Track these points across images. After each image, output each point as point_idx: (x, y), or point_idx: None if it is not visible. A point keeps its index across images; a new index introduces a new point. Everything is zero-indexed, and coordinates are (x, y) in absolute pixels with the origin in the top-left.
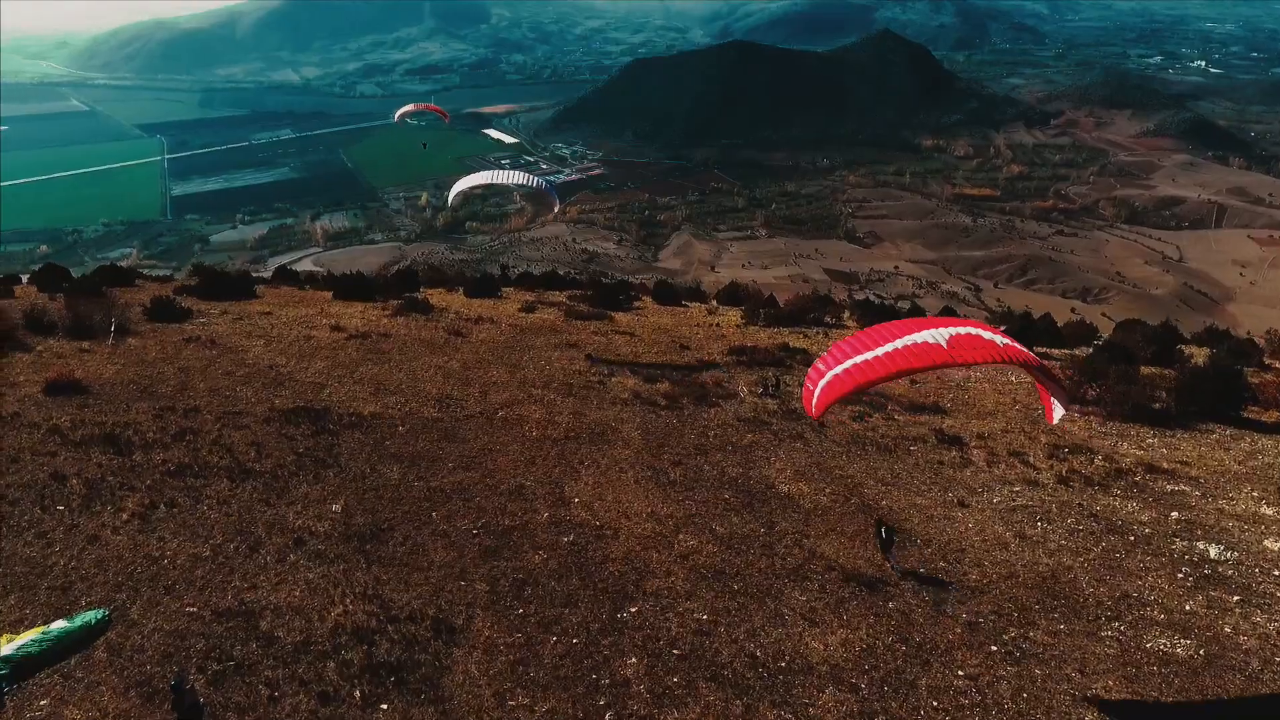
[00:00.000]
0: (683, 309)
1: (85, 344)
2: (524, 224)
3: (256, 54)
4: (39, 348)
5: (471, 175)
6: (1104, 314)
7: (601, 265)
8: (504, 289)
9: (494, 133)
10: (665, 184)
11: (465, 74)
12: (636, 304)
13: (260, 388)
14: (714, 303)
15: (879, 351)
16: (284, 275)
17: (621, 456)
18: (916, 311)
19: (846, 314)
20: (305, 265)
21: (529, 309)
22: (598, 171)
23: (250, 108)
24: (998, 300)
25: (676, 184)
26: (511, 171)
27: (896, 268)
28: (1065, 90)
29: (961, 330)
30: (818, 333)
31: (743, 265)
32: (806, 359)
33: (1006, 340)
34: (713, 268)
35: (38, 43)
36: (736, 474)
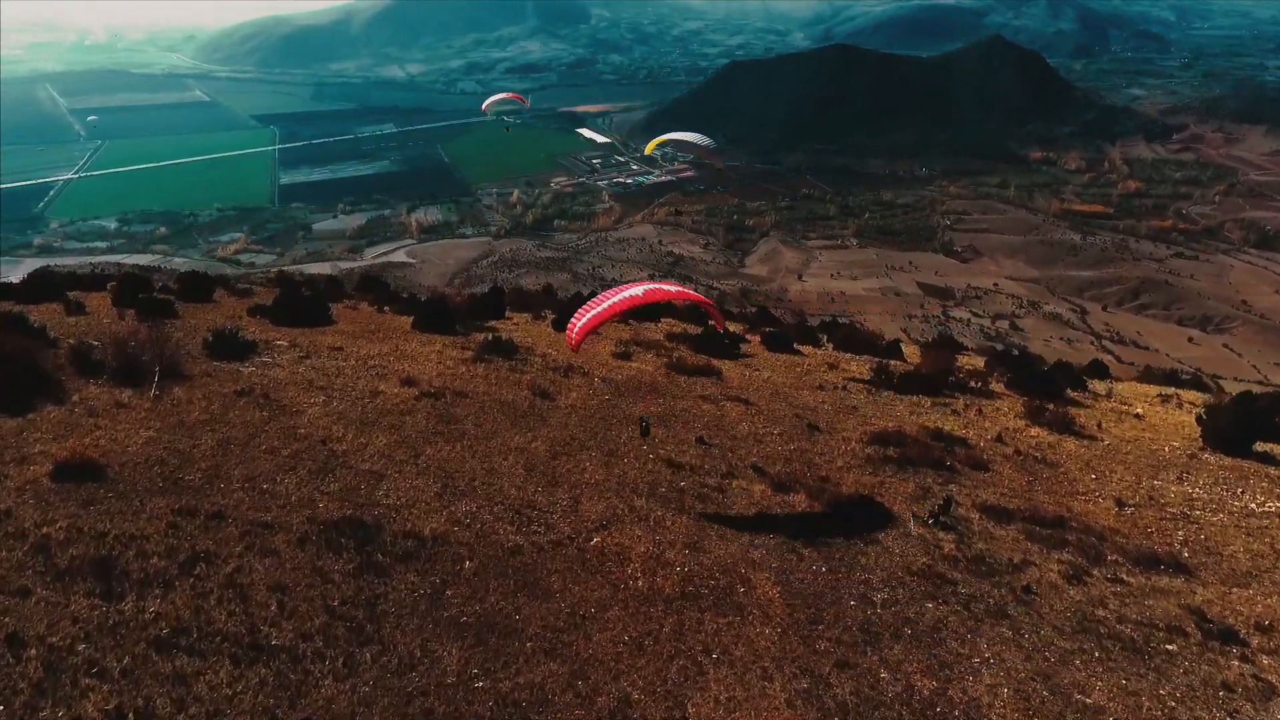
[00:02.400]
0: (798, 358)
1: (127, 394)
2: (611, 223)
3: (367, 50)
4: (75, 397)
5: (671, 133)
6: (1225, 345)
7: (687, 269)
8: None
9: (587, 132)
10: (755, 188)
11: (563, 73)
12: (744, 347)
13: (306, 476)
14: (829, 345)
15: (605, 305)
16: (368, 285)
17: (760, 642)
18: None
19: (994, 377)
20: (399, 256)
21: (624, 354)
22: (688, 173)
23: (358, 102)
24: (1105, 325)
25: (767, 189)
26: (693, 133)
27: (995, 285)
28: (1191, 102)
29: (652, 286)
30: (967, 404)
31: (831, 275)
32: (970, 456)
33: (679, 288)
34: (800, 276)
35: (169, 37)
36: (930, 692)
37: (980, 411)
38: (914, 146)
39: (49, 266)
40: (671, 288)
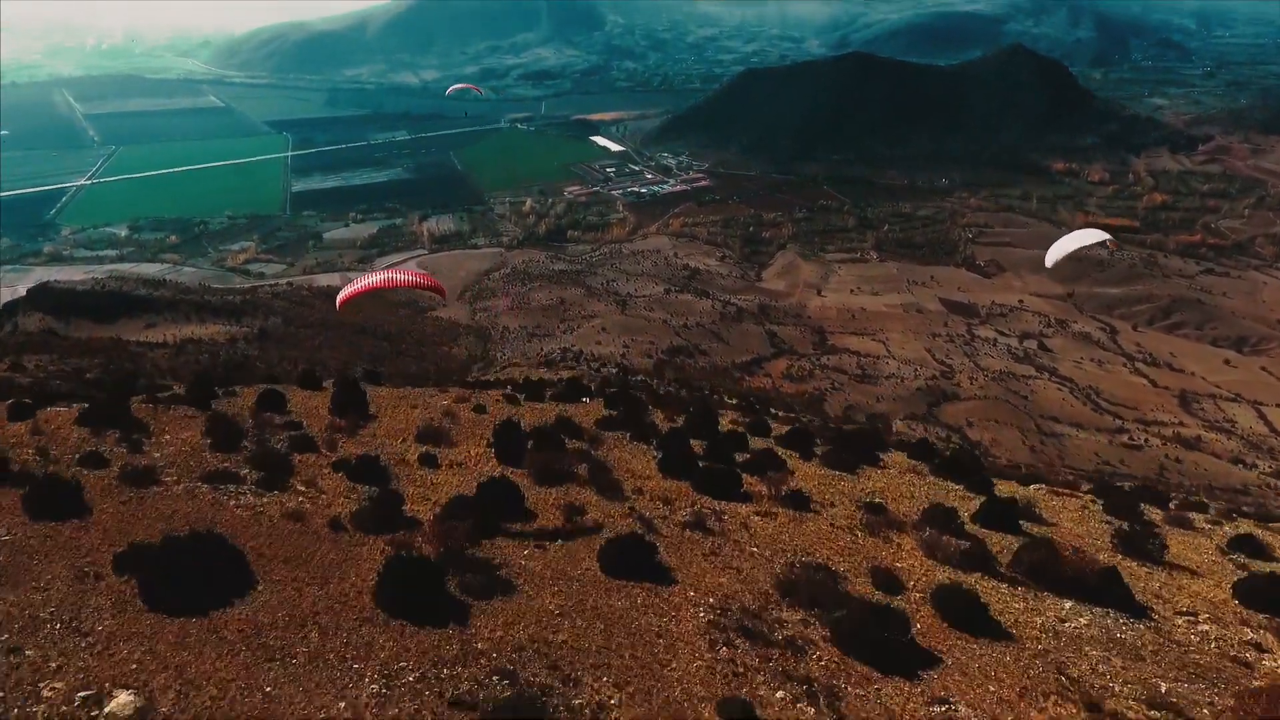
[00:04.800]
0: (999, 647)
1: None
2: (626, 234)
3: (381, 56)
4: None
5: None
6: (1264, 368)
7: (703, 283)
8: (645, 424)
9: (600, 140)
10: (771, 199)
11: (577, 80)
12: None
13: None
14: (1007, 563)
15: (356, 285)
16: (347, 399)
17: None
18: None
19: None
20: (410, 267)
21: (725, 670)
22: (703, 183)
23: (372, 108)
24: (1137, 345)
25: (783, 199)
26: (1084, 233)
27: (1020, 301)
28: (1215, 113)
29: (401, 275)
30: None
31: (850, 290)
32: None
33: (408, 276)
34: (819, 291)
35: (186, 42)
36: None
37: None
38: (933, 157)
39: (49, 283)
40: (402, 276)
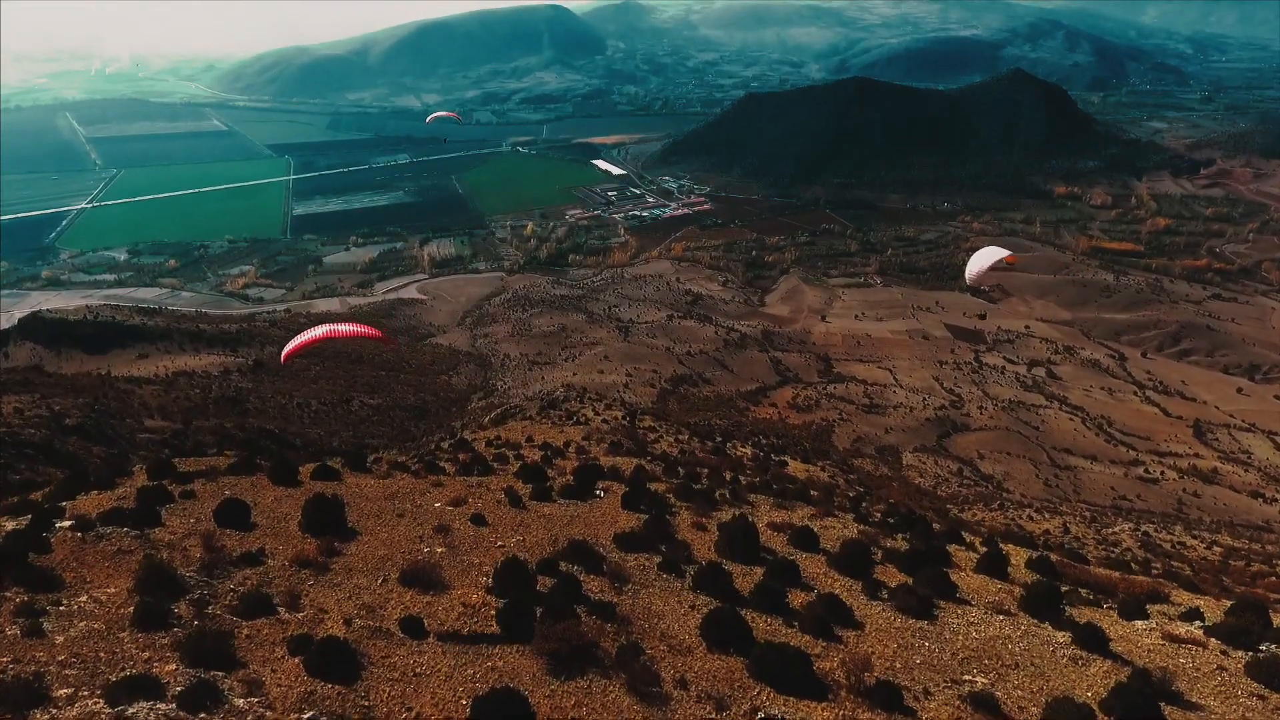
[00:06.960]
0: None
1: None
2: (627, 259)
3: (384, 80)
4: None
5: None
6: (1277, 397)
7: (706, 308)
8: (674, 540)
9: (602, 163)
10: (774, 223)
11: (578, 103)
12: None
13: None
14: None
15: (300, 339)
16: (321, 511)
17: None
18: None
19: None
20: (410, 292)
21: None
22: (705, 207)
23: (374, 131)
24: (1147, 373)
25: (785, 223)
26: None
27: (1027, 327)
28: (1216, 137)
29: (344, 326)
30: None
31: (855, 316)
32: None
33: (351, 327)
34: (823, 317)
35: (189, 66)
36: None
37: None
38: (935, 180)
39: (40, 312)
40: (345, 327)
